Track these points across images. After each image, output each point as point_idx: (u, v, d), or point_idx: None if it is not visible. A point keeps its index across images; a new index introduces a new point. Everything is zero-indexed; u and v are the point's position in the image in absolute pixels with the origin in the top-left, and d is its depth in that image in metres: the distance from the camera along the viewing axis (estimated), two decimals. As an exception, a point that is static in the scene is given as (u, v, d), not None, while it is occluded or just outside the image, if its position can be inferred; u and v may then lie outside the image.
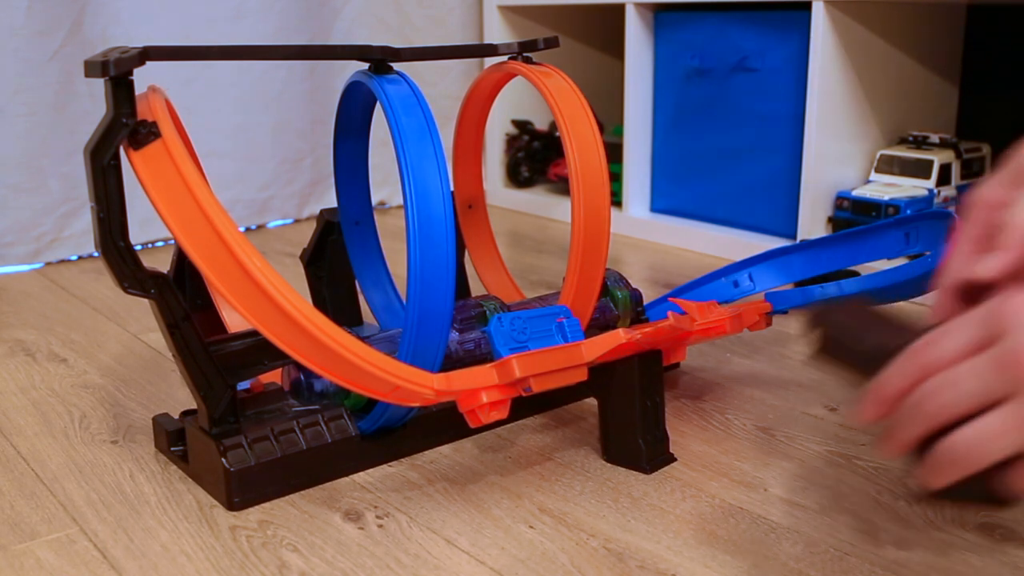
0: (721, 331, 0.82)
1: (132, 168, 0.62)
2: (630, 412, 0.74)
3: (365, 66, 0.74)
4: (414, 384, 0.65)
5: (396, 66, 0.73)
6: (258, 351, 0.72)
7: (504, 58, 0.87)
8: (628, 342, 0.71)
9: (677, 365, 0.96)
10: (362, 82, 0.74)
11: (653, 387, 0.75)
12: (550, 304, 0.78)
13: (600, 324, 0.89)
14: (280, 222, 1.63)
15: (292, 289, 0.61)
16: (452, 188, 0.97)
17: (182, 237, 0.61)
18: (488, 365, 0.68)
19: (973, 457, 0.41)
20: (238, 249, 0.60)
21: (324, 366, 0.64)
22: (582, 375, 0.70)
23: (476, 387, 0.67)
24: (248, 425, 0.73)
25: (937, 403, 0.42)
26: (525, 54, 0.86)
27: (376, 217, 0.94)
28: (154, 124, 0.62)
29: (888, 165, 1.25)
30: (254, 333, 0.71)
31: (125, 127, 0.62)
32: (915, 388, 0.43)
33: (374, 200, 0.93)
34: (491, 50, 0.86)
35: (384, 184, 1.69)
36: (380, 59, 0.72)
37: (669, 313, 0.76)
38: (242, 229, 1.59)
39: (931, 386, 0.43)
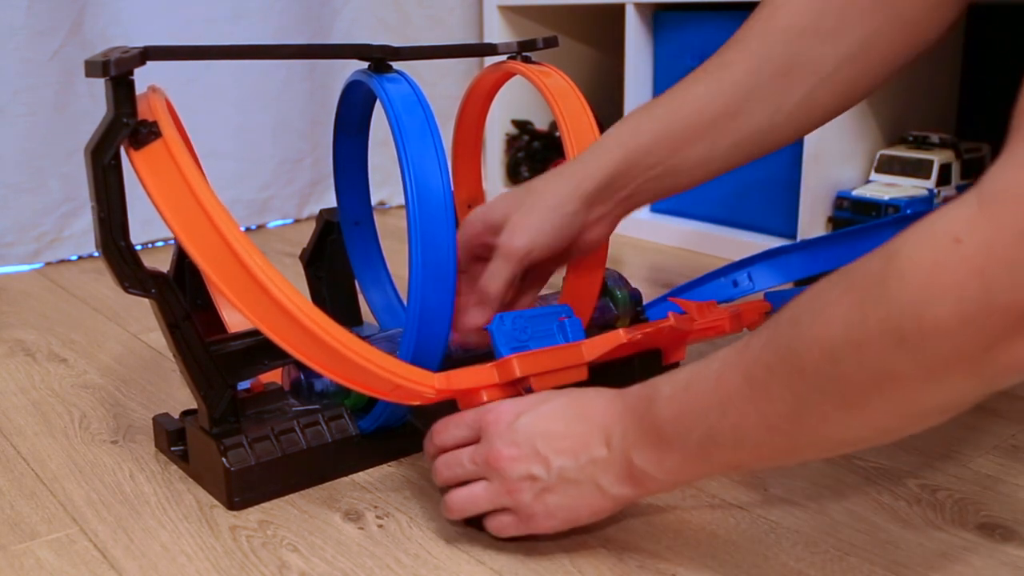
0: (721, 331, 0.82)
1: (133, 168, 0.62)
2: None
3: (365, 65, 0.74)
4: (415, 383, 0.65)
5: (396, 65, 0.73)
6: (258, 351, 0.72)
7: (503, 57, 0.87)
8: (628, 341, 0.70)
9: (677, 365, 0.95)
10: (361, 81, 0.73)
11: None
12: (550, 303, 0.78)
13: (600, 324, 0.89)
14: (280, 222, 1.63)
15: (294, 288, 0.61)
16: (452, 187, 0.97)
17: (183, 237, 0.61)
18: (489, 364, 0.68)
19: (465, 510, 0.63)
20: (240, 248, 0.60)
21: (325, 365, 0.64)
22: (582, 375, 0.70)
23: (477, 386, 0.67)
24: (248, 425, 0.73)
25: (444, 474, 0.64)
26: (524, 53, 0.86)
27: (376, 217, 0.93)
28: (155, 124, 0.62)
29: (888, 165, 1.25)
30: (254, 333, 0.71)
31: (126, 127, 0.62)
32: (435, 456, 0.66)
33: (374, 200, 0.93)
34: (490, 49, 0.86)
35: (384, 184, 1.69)
36: (380, 58, 0.72)
37: (669, 313, 0.76)
38: (242, 229, 1.59)
39: (441, 461, 0.64)
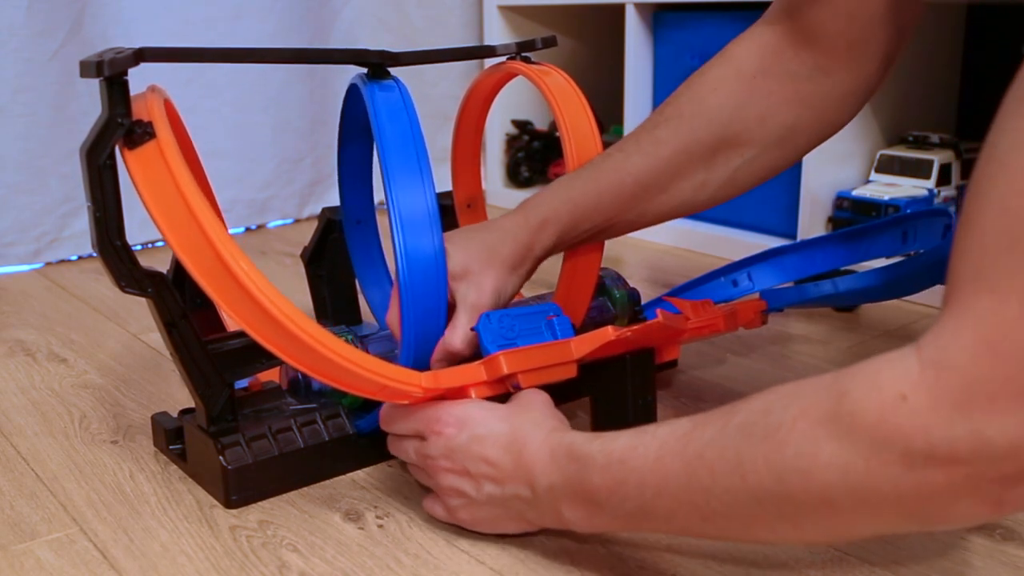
0: (715, 329, 0.82)
1: (126, 168, 0.62)
2: (622, 411, 0.74)
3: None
4: (401, 383, 0.65)
5: (396, 70, 0.73)
6: (256, 349, 0.72)
7: (503, 58, 0.87)
8: (618, 339, 0.70)
9: (675, 363, 0.95)
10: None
11: (645, 385, 0.75)
12: (545, 302, 0.78)
13: (597, 323, 0.89)
14: (280, 222, 1.63)
15: (278, 293, 0.61)
16: (452, 187, 0.97)
17: (171, 238, 0.61)
18: (476, 362, 0.68)
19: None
20: (226, 253, 0.60)
21: (312, 368, 0.64)
22: (571, 372, 0.70)
23: (464, 384, 0.67)
24: (246, 423, 0.73)
25: (393, 450, 0.71)
26: (523, 54, 0.86)
27: (378, 217, 0.93)
28: (149, 124, 0.62)
29: (888, 165, 1.25)
30: (252, 332, 0.71)
31: (120, 127, 0.62)
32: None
33: (376, 200, 0.93)
34: (489, 51, 0.86)
35: (385, 184, 1.69)
36: (377, 63, 0.72)
37: (658, 311, 0.75)
38: (242, 229, 1.59)
39: (391, 442, 0.71)
